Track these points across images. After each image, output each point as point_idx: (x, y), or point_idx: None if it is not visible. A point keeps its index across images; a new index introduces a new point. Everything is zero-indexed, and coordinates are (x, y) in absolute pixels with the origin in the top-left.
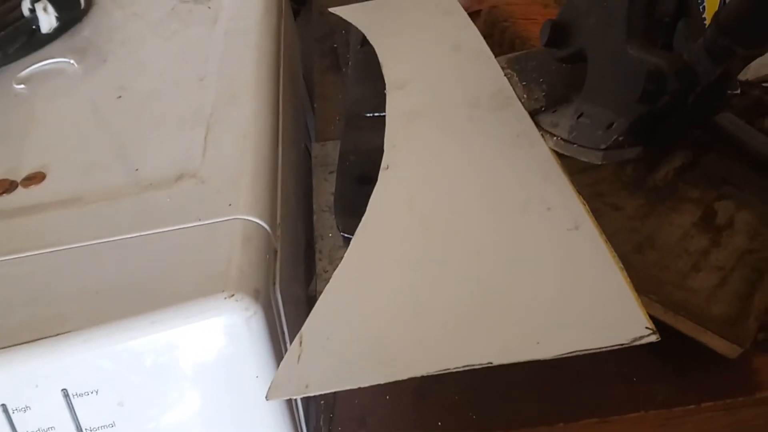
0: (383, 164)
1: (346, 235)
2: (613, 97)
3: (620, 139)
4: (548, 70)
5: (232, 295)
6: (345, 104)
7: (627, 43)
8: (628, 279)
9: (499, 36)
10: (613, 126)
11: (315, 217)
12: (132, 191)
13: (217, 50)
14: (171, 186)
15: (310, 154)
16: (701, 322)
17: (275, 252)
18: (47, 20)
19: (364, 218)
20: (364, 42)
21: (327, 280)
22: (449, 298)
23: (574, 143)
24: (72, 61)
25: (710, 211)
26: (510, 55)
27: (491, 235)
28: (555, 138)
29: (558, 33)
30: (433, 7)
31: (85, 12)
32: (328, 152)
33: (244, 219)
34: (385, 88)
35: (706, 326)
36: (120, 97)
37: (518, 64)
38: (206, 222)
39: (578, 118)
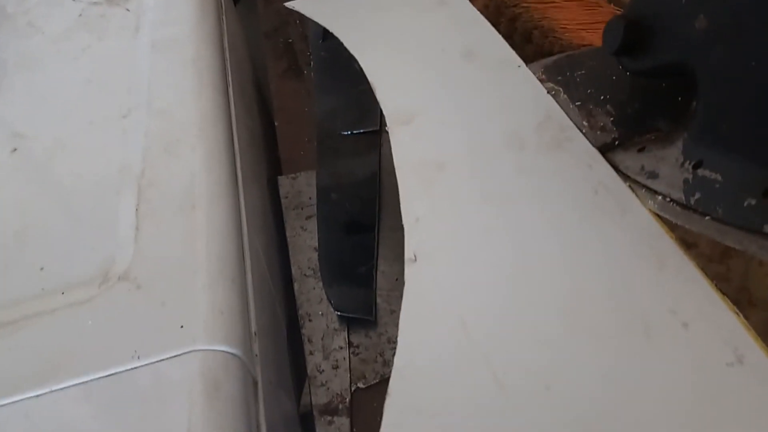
0: (407, 252)
1: (341, 313)
2: (765, 144)
3: None
4: (607, 81)
5: None
6: (314, 120)
7: None
8: None
9: (507, 26)
10: None
11: (296, 285)
12: (35, 309)
13: (143, 72)
14: (92, 296)
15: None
16: None
17: (255, 384)
18: None
19: (398, 352)
20: (326, 34)
21: (324, 384)
22: None
23: (705, 213)
24: None
25: None
26: (546, 61)
27: (607, 380)
28: (660, 198)
29: (635, 37)
30: None
31: None
32: (301, 188)
33: (207, 350)
34: (363, 94)
35: None
36: (15, 150)
37: (561, 75)
38: (148, 362)
39: (694, 167)
